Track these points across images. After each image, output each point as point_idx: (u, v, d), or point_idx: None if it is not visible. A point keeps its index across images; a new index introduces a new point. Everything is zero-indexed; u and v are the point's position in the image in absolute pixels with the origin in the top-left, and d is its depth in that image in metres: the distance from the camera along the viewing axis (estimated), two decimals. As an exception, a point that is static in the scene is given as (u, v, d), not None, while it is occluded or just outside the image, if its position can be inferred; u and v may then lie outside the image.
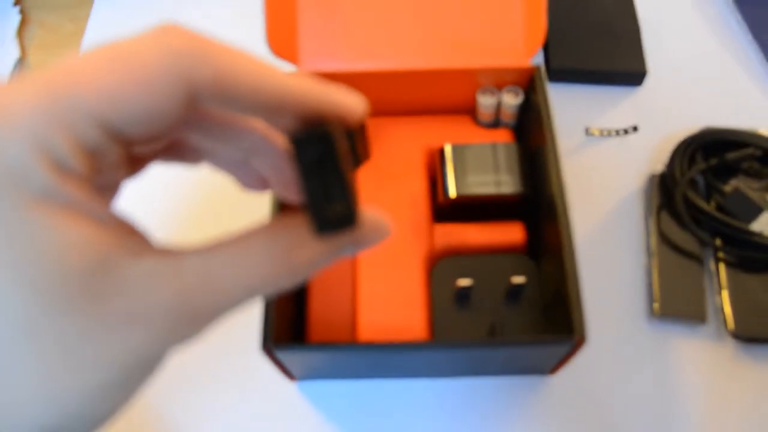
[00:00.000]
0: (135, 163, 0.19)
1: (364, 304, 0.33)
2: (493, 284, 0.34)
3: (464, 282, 0.32)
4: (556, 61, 0.45)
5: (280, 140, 0.18)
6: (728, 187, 0.38)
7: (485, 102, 0.37)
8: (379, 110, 0.39)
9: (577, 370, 0.35)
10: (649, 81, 0.45)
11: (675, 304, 0.36)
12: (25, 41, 0.51)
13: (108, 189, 0.18)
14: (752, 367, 0.35)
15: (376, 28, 0.36)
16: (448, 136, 0.37)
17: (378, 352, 0.29)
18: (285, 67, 0.35)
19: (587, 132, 0.43)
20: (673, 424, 0.34)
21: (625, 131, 0.43)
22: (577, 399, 0.34)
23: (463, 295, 0.33)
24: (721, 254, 0.37)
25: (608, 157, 0.43)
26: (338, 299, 0.35)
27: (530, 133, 0.36)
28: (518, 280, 0.32)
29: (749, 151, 0.39)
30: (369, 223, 0.18)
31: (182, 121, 0.15)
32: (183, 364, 0.36)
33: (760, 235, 0.36)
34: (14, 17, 0.51)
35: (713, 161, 0.39)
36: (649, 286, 0.37)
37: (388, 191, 0.36)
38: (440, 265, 0.35)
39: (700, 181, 0.40)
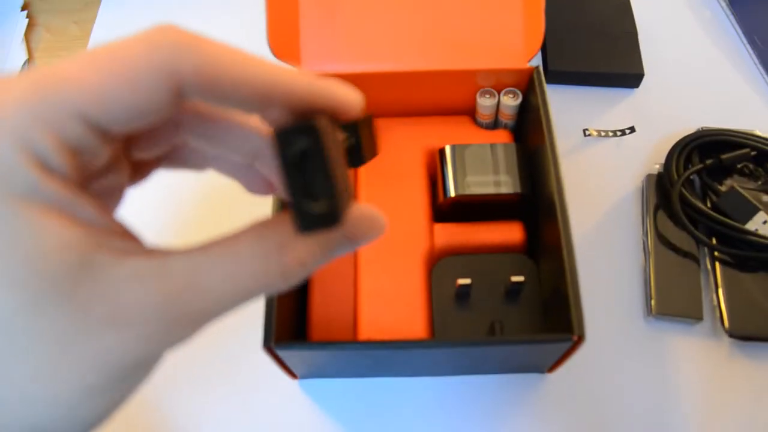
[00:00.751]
0: (138, 170, 0.19)
1: (364, 303, 0.34)
2: (492, 283, 0.34)
3: (464, 281, 0.33)
4: (554, 64, 0.46)
5: None
6: (724, 187, 0.39)
7: (484, 103, 0.38)
8: (380, 111, 0.39)
9: (575, 369, 0.35)
10: (646, 83, 0.46)
11: (671, 302, 0.36)
12: (32, 44, 0.52)
13: (110, 195, 0.18)
14: (748, 365, 0.35)
15: (376, 30, 0.36)
16: (448, 137, 0.38)
17: (379, 351, 0.29)
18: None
19: (585, 133, 0.43)
20: (669, 421, 0.34)
21: (623, 132, 0.44)
22: (575, 397, 0.35)
23: (463, 294, 0.34)
24: (717, 253, 0.38)
25: (606, 157, 0.43)
26: (339, 298, 0.35)
27: (529, 134, 0.36)
28: (517, 279, 0.33)
29: (744, 151, 0.40)
30: (362, 219, 0.18)
31: (170, 117, 0.15)
32: (185, 363, 0.36)
33: (755, 234, 0.36)
34: (21, 21, 0.52)
35: (709, 162, 0.40)
36: (646, 284, 0.37)
37: (388, 191, 0.37)
38: (440, 265, 0.35)
39: (696, 181, 0.40)
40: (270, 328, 0.28)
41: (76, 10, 0.53)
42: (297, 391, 0.35)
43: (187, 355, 0.36)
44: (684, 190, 0.38)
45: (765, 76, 0.46)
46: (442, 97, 0.39)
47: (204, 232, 0.41)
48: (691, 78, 0.46)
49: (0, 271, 0.13)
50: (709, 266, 0.38)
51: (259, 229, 0.17)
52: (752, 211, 0.37)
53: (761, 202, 0.37)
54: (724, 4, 0.50)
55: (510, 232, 0.35)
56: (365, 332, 0.33)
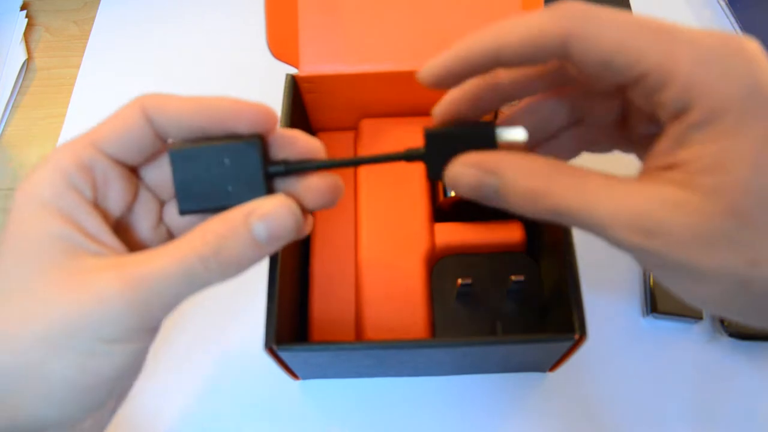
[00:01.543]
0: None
1: (365, 303, 0.34)
2: (493, 283, 0.34)
3: (465, 280, 0.33)
4: (554, 63, 0.46)
5: None
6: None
7: (484, 104, 0.38)
8: (379, 111, 0.39)
9: (576, 368, 0.35)
10: (646, 82, 0.46)
11: (671, 302, 0.36)
12: (31, 44, 0.51)
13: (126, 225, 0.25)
14: (747, 364, 0.36)
15: (375, 31, 0.36)
16: (448, 138, 0.38)
17: (380, 351, 0.29)
18: (286, 69, 0.36)
19: (585, 133, 0.43)
20: (669, 420, 0.34)
21: (623, 132, 0.44)
22: (576, 396, 0.35)
23: (464, 293, 0.34)
24: (716, 252, 0.38)
25: (605, 155, 0.43)
26: (340, 298, 0.35)
27: (529, 134, 0.37)
28: (518, 278, 0.33)
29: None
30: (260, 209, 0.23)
31: (155, 148, 0.24)
32: (184, 364, 0.36)
33: (754, 233, 0.36)
34: (21, 21, 0.52)
35: (709, 161, 0.40)
36: (646, 284, 0.38)
37: (388, 192, 0.37)
38: (441, 264, 0.35)
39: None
40: (271, 330, 0.28)
41: (76, 10, 0.53)
42: (299, 391, 0.35)
43: (188, 356, 0.36)
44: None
45: (764, 75, 0.46)
46: (441, 97, 0.38)
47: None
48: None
49: (24, 246, 0.21)
50: (708, 265, 0.38)
51: (199, 233, 0.22)
52: (752, 210, 0.37)
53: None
54: (723, 4, 0.50)
55: (510, 232, 0.35)
56: (366, 332, 0.33)
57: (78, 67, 0.49)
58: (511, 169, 0.21)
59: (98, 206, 0.23)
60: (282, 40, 0.35)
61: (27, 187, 0.22)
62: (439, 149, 0.25)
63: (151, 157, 0.25)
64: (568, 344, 0.28)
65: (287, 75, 0.35)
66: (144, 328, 0.22)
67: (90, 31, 0.51)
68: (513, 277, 0.33)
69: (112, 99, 0.47)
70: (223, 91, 0.47)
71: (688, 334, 0.37)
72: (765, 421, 0.34)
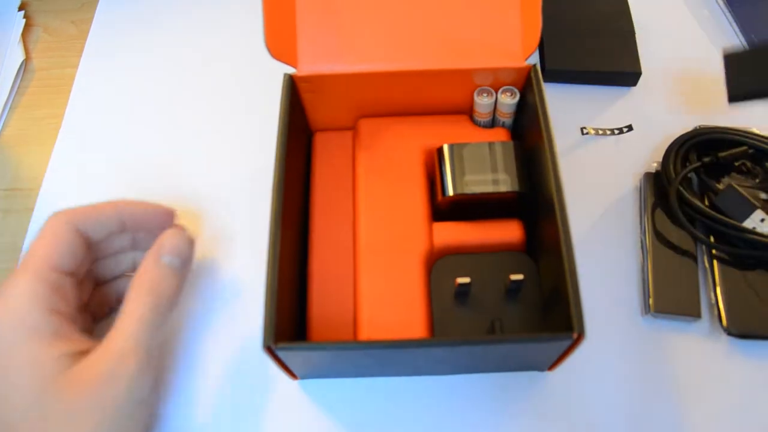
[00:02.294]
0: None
1: (364, 303, 0.34)
2: (492, 282, 0.34)
3: (463, 280, 0.33)
4: (552, 62, 0.46)
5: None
6: (721, 185, 0.39)
7: (482, 102, 0.38)
8: (377, 111, 0.39)
9: (575, 367, 0.35)
10: (644, 81, 0.46)
11: (669, 300, 0.37)
12: (29, 45, 0.51)
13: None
14: (745, 362, 0.36)
15: (373, 30, 0.36)
16: (446, 136, 0.38)
17: (378, 350, 0.29)
18: (284, 69, 0.36)
19: (583, 131, 0.44)
20: (668, 418, 0.34)
21: (620, 130, 0.44)
22: (574, 395, 0.35)
23: (463, 292, 0.34)
24: (714, 251, 0.38)
25: (603, 156, 0.43)
26: (339, 298, 0.35)
27: (527, 133, 0.37)
28: (517, 277, 0.33)
29: (742, 149, 0.40)
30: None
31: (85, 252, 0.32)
32: (184, 365, 0.36)
33: (752, 232, 0.36)
34: (19, 21, 0.52)
35: (707, 160, 0.40)
36: (644, 283, 0.38)
37: (387, 190, 0.37)
38: (439, 264, 0.35)
39: (694, 179, 0.41)
40: (269, 329, 0.28)
41: (74, 10, 0.53)
42: (297, 391, 0.35)
43: (186, 356, 0.36)
44: (682, 189, 0.39)
45: (762, 74, 0.46)
46: (439, 97, 0.39)
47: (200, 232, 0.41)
48: (688, 76, 0.46)
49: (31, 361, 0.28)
50: (707, 264, 0.38)
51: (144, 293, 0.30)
52: (750, 209, 0.37)
53: (759, 200, 0.37)
54: (721, 3, 0.50)
55: (509, 231, 0.36)
56: (365, 332, 0.33)
57: (76, 67, 0.49)
58: None
59: (72, 312, 0.30)
60: (280, 40, 0.35)
61: (6, 318, 0.27)
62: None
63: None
64: (566, 343, 0.28)
65: (285, 75, 0.35)
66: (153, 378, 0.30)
67: (88, 31, 0.51)
68: (512, 277, 0.33)
69: (111, 99, 0.47)
70: (222, 91, 0.47)
71: (686, 332, 0.37)
72: (763, 420, 0.34)
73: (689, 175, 0.40)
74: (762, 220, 0.36)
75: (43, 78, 0.49)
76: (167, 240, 0.31)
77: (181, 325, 0.37)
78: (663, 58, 0.47)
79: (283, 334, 0.29)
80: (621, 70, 0.46)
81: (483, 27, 0.36)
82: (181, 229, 0.32)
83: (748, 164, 0.40)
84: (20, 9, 0.53)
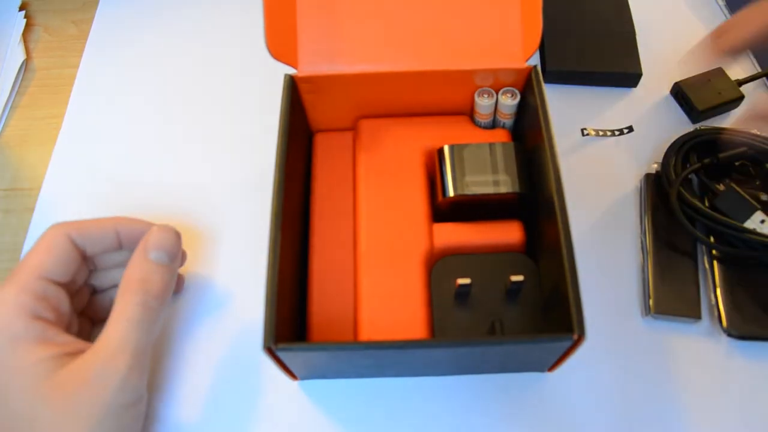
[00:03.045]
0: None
1: (364, 304, 0.34)
2: (492, 283, 0.34)
3: (464, 281, 0.33)
4: (552, 63, 0.46)
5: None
6: (722, 186, 0.39)
7: (483, 103, 0.38)
8: (378, 111, 0.39)
9: (575, 368, 0.35)
10: (644, 82, 0.46)
11: (669, 301, 0.37)
12: (30, 44, 0.51)
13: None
14: (746, 363, 0.36)
15: (374, 31, 0.36)
16: (446, 137, 0.38)
17: (378, 351, 0.29)
18: (285, 70, 0.36)
19: (583, 132, 0.44)
20: (668, 420, 0.34)
21: (621, 132, 0.44)
22: (575, 396, 0.35)
23: (463, 293, 0.34)
24: (715, 252, 0.38)
25: (604, 157, 0.43)
26: (339, 298, 0.35)
27: (527, 134, 0.37)
28: (517, 278, 0.33)
29: (742, 150, 0.40)
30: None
31: (79, 264, 0.32)
32: (184, 365, 0.36)
33: (753, 233, 0.36)
34: (19, 21, 0.52)
35: (707, 161, 0.40)
36: (645, 284, 0.38)
37: (387, 191, 0.37)
38: (440, 264, 0.35)
39: (695, 180, 0.41)
40: (270, 330, 0.28)
41: (75, 10, 0.53)
42: (297, 392, 0.35)
43: (186, 357, 0.36)
44: (682, 189, 0.39)
45: (762, 75, 0.46)
46: (440, 97, 0.39)
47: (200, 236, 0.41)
48: (688, 77, 0.46)
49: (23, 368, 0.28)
50: (707, 265, 0.38)
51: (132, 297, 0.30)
52: (750, 209, 0.37)
53: (759, 201, 0.37)
54: (721, 3, 0.50)
55: (509, 232, 0.36)
56: (365, 332, 0.33)
57: (77, 67, 0.49)
58: None
59: (62, 318, 0.30)
60: (281, 40, 0.35)
61: None
62: None
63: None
64: (566, 344, 0.28)
65: (286, 75, 0.35)
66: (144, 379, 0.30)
67: (89, 31, 0.51)
68: (512, 278, 0.33)
69: (111, 99, 0.47)
70: (222, 91, 0.47)
71: (686, 333, 0.37)
72: (764, 421, 0.34)
73: (689, 176, 0.40)
74: (762, 221, 0.36)
75: (44, 78, 0.49)
76: (153, 236, 0.31)
77: (180, 326, 0.37)
78: (663, 59, 0.47)
79: (283, 334, 0.29)
80: (621, 71, 0.46)
81: (483, 28, 0.36)
82: (167, 225, 0.32)
83: (748, 165, 0.40)
84: (21, 9, 0.53)
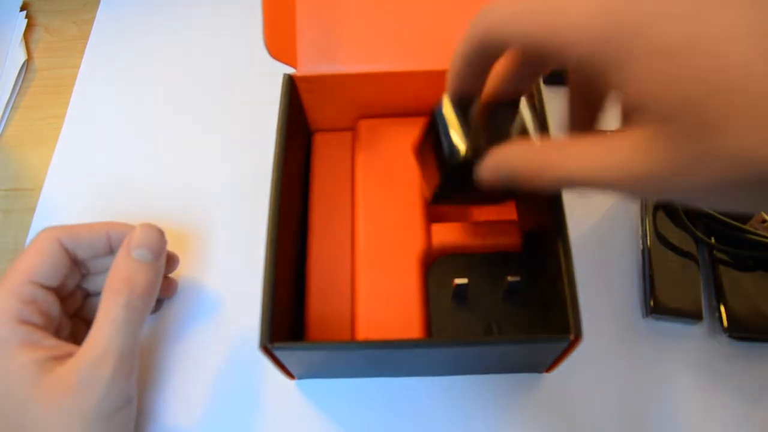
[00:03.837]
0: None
1: (361, 303, 0.34)
2: (489, 283, 0.34)
3: (461, 281, 0.33)
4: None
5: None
6: (723, 187, 0.39)
7: (482, 103, 0.38)
8: (376, 111, 0.39)
9: (573, 369, 0.35)
10: (646, 82, 0.46)
11: (670, 302, 0.36)
12: (31, 45, 0.52)
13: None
14: (747, 365, 0.35)
15: (373, 31, 0.36)
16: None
17: (375, 351, 0.29)
18: (284, 69, 0.36)
19: (584, 133, 0.43)
20: (668, 421, 0.34)
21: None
22: (573, 397, 0.35)
23: (460, 293, 0.34)
24: (716, 253, 0.37)
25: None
26: (336, 298, 0.35)
27: (526, 134, 0.36)
28: (514, 278, 0.33)
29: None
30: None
31: (69, 268, 0.32)
32: (181, 365, 0.36)
33: (754, 233, 0.36)
34: (21, 22, 0.52)
35: (708, 161, 0.39)
36: (645, 284, 0.37)
37: (385, 191, 0.37)
38: (437, 264, 0.35)
39: (696, 180, 0.40)
40: (266, 328, 0.28)
41: (76, 11, 0.53)
42: (294, 391, 0.35)
43: (184, 356, 0.36)
44: (682, 190, 0.38)
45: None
46: (439, 97, 0.38)
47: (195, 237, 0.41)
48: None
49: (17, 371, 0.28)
50: (708, 266, 0.38)
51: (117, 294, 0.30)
52: (751, 210, 0.37)
53: (760, 202, 0.37)
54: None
55: (507, 232, 0.35)
56: (362, 332, 0.33)
57: (78, 67, 0.49)
58: (515, 158, 0.25)
59: (51, 322, 0.30)
60: (280, 40, 0.35)
61: None
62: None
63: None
64: (563, 345, 0.28)
65: (285, 75, 0.36)
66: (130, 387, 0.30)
67: (90, 31, 0.51)
68: (509, 278, 0.33)
69: (112, 99, 0.47)
70: (222, 91, 0.47)
71: (687, 334, 0.36)
72: (764, 422, 0.34)
73: (690, 176, 0.40)
74: (763, 222, 0.36)
75: (45, 78, 0.50)
76: (135, 234, 0.31)
77: (177, 327, 0.37)
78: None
79: (280, 333, 0.29)
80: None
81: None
82: (150, 224, 0.32)
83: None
84: (22, 9, 0.53)
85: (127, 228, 0.33)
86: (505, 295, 0.34)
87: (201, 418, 0.35)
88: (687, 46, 0.18)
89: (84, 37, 0.51)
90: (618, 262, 0.39)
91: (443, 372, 0.35)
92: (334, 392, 0.35)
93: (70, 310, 0.33)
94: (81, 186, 0.43)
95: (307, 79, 0.36)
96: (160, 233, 0.32)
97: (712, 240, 0.38)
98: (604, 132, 0.24)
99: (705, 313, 0.37)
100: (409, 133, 0.39)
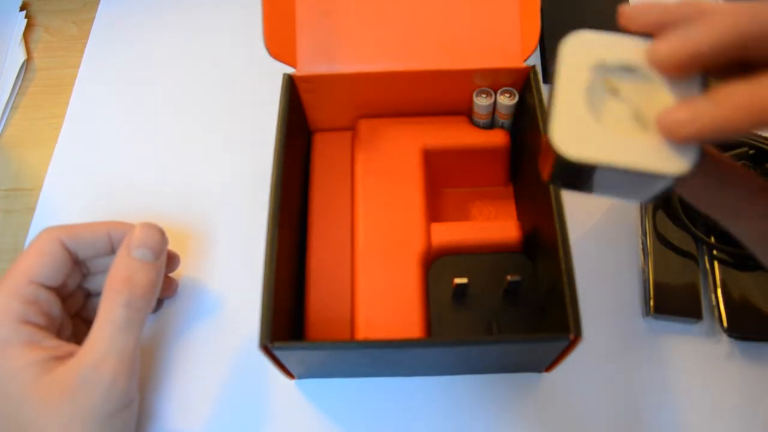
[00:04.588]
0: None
1: (361, 303, 0.34)
2: (489, 282, 0.34)
3: (461, 280, 0.33)
4: (552, 63, 0.46)
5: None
6: (722, 187, 0.39)
7: (481, 103, 0.38)
8: (376, 111, 0.39)
9: (573, 368, 0.35)
10: (645, 82, 0.46)
11: (670, 302, 0.36)
12: (31, 45, 0.52)
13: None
14: (746, 364, 0.35)
15: (373, 30, 0.36)
16: (445, 137, 0.38)
17: (375, 350, 0.29)
18: (284, 69, 0.36)
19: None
20: (668, 421, 0.34)
21: (621, 131, 0.43)
22: (572, 396, 0.35)
23: (460, 293, 0.34)
24: (715, 252, 0.38)
25: (604, 157, 0.43)
26: (336, 297, 0.35)
27: (526, 134, 0.36)
28: (514, 278, 0.33)
29: (742, 150, 0.40)
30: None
31: (70, 269, 0.32)
32: (181, 365, 0.36)
33: (753, 233, 0.36)
34: (20, 22, 0.52)
35: (708, 161, 0.40)
36: (645, 284, 0.37)
37: (385, 191, 0.37)
38: (437, 264, 0.35)
39: (695, 180, 0.40)
40: (266, 328, 0.28)
41: (75, 10, 0.53)
42: (294, 391, 0.35)
43: (184, 356, 0.36)
44: (682, 189, 0.38)
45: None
46: (438, 97, 0.39)
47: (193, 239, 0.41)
48: (689, 77, 0.46)
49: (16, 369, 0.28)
50: (708, 266, 0.38)
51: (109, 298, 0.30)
52: (750, 210, 0.37)
53: (760, 201, 0.37)
54: (721, 3, 0.50)
55: (507, 231, 0.35)
56: (362, 332, 0.33)
57: (78, 67, 0.49)
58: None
59: (53, 322, 0.30)
60: (279, 40, 0.35)
61: None
62: None
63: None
64: (563, 344, 0.28)
65: (284, 75, 0.36)
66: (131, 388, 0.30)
67: (89, 31, 0.51)
68: (509, 277, 0.33)
69: (112, 99, 0.47)
70: (222, 91, 0.47)
71: (687, 334, 0.36)
72: (764, 422, 0.34)
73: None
74: (763, 222, 0.36)
75: (45, 78, 0.50)
76: (136, 233, 0.31)
77: (177, 326, 0.37)
78: (664, 58, 0.47)
79: (279, 333, 0.29)
80: (622, 70, 0.45)
81: (482, 28, 0.36)
82: (151, 223, 0.32)
83: (749, 164, 0.40)
84: (22, 9, 0.53)
85: (128, 227, 0.32)
86: (505, 295, 0.34)
87: (201, 417, 0.35)
88: None
89: (84, 37, 0.51)
90: (618, 262, 0.39)
91: (443, 372, 0.35)
92: (334, 392, 0.35)
93: (71, 310, 0.33)
94: (81, 186, 0.43)
95: (306, 79, 0.36)
96: (161, 232, 0.32)
97: (712, 240, 0.38)
98: None
99: (705, 312, 0.37)
100: (409, 132, 0.39)
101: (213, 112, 0.46)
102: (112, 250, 0.33)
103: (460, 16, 0.36)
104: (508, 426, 0.34)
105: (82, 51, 0.50)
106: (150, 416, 0.35)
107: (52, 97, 0.48)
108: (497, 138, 0.39)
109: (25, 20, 0.52)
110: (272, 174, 0.32)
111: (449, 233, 0.35)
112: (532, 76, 0.35)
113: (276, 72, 0.36)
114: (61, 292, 0.32)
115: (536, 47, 0.35)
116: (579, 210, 0.40)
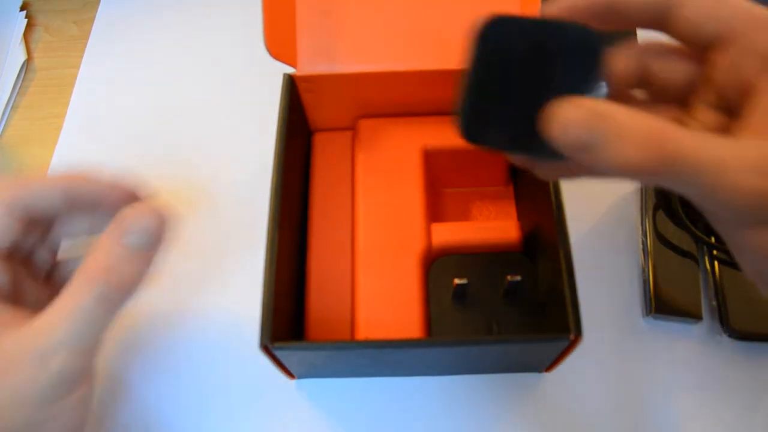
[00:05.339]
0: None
1: (362, 303, 0.34)
2: (489, 283, 0.34)
3: (461, 280, 0.33)
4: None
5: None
6: (723, 187, 0.39)
7: (482, 103, 0.38)
8: (376, 111, 0.39)
9: (573, 369, 0.35)
10: (646, 82, 0.46)
11: (670, 302, 0.36)
12: (31, 44, 0.52)
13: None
14: (747, 364, 0.35)
15: (373, 30, 0.36)
16: (446, 137, 0.38)
17: (375, 350, 0.29)
18: (284, 69, 0.36)
19: (584, 132, 0.43)
20: (668, 421, 0.34)
21: (622, 131, 0.43)
22: (572, 397, 0.35)
23: (460, 293, 0.34)
24: (716, 252, 0.37)
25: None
26: (336, 297, 0.35)
27: (526, 134, 0.36)
28: (514, 278, 0.33)
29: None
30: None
31: (21, 229, 0.27)
32: (181, 364, 0.36)
33: (754, 233, 0.36)
34: (21, 21, 0.52)
35: (708, 161, 0.39)
36: (645, 284, 0.37)
37: (386, 191, 0.37)
38: (437, 264, 0.35)
39: (696, 180, 0.40)
40: (266, 328, 0.28)
41: (76, 10, 0.53)
42: (294, 391, 0.35)
43: (182, 356, 0.36)
44: (682, 189, 0.38)
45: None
46: (439, 97, 0.38)
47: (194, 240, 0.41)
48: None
49: None
50: (708, 266, 0.38)
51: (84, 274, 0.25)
52: (751, 210, 0.36)
53: (760, 201, 0.37)
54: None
55: (507, 231, 0.35)
56: (362, 332, 0.33)
57: (78, 67, 0.49)
58: (623, 115, 0.19)
59: (23, 284, 0.27)
60: (280, 40, 0.35)
61: None
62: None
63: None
64: (563, 344, 0.28)
65: (285, 74, 0.36)
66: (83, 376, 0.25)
67: (90, 31, 0.51)
68: (509, 277, 0.33)
69: (112, 99, 0.47)
70: (222, 91, 0.47)
71: (687, 334, 0.36)
72: (764, 422, 0.34)
73: (690, 176, 0.40)
74: (763, 222, 0.36)
75: (45, 78, 0.50)
76: (132, 216, 0.25)
77: (177, 325, 0.37)
78: (665, 58, 0.47)
79: (280, 333, 0.29)
80: (622, 70, 0.45)
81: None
82: (151, 204, 0.27)
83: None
84: (22, 9, 0.53)
85: (89, 183, 0.27)
86: (505, 295, 0.34)
87: (201, 417, 0.35)
88: None
89: (84, 37, 0.51)
90: (618, 261, 0.39)
91: (443, 372, 0.35)
92: (334, 392, 0.35)
93: (35, 273, 0.29)
94: (81, 186, 0.43)
95: (307, 79, 0.36)
96: (162, 220, 0.26)
97: (712, 240, 0.37)
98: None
99: (705, 312, 0.37)
100: (409, 132, 0.39)
101: (213, 111, 0.46)
102: (73, 208, 0.28)
103: (460, 16, 0.36)
104: (509, 426, 0.34)
105: (83, 51, 0.50)
106: (149, 416, 0.35)
107: (52, 97, 0.48)
108: (497, 138, 0.38)
109: (25, 20, 0.52)
110: (272, 174, 0.32)
111: (449, 233, 0.35)
112: (532, 75, 0.35)
113: (276, 72, 0.36)
114: (13, 255, 0.28)
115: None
116: (579, 210, 0.39)
